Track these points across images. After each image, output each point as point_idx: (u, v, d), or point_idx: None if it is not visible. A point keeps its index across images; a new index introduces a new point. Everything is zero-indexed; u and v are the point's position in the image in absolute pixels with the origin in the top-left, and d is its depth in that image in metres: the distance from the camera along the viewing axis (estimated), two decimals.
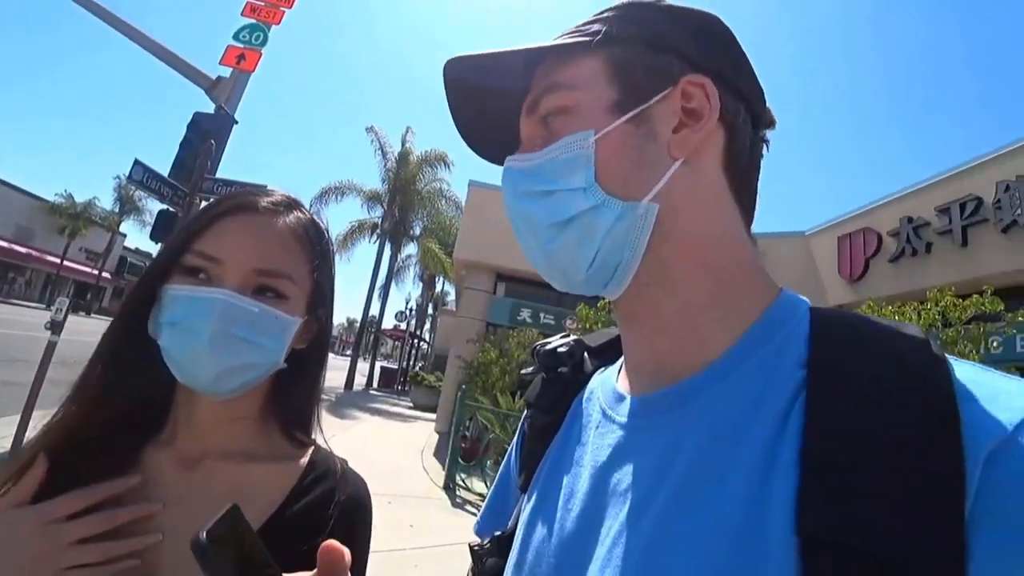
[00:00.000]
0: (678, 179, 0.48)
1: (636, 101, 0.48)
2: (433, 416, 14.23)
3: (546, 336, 0.73)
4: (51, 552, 0.60)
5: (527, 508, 0.57)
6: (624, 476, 0.46)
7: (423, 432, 12.25)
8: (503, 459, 0.72)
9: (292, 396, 0.80)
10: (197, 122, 6.67)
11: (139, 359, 0.70)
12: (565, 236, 0.49)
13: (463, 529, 4.90)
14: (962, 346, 4.83)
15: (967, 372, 0.37)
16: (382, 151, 22.31)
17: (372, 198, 22.40)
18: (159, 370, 0.68)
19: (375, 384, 25.86)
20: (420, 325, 35.64)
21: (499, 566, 0.58)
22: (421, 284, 31.24)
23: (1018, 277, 8.19)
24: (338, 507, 0.74)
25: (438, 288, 34.75)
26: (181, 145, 6.56)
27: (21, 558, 0.59)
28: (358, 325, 25.18)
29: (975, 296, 5.07)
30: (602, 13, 0.52)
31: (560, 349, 0.66)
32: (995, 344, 5.25)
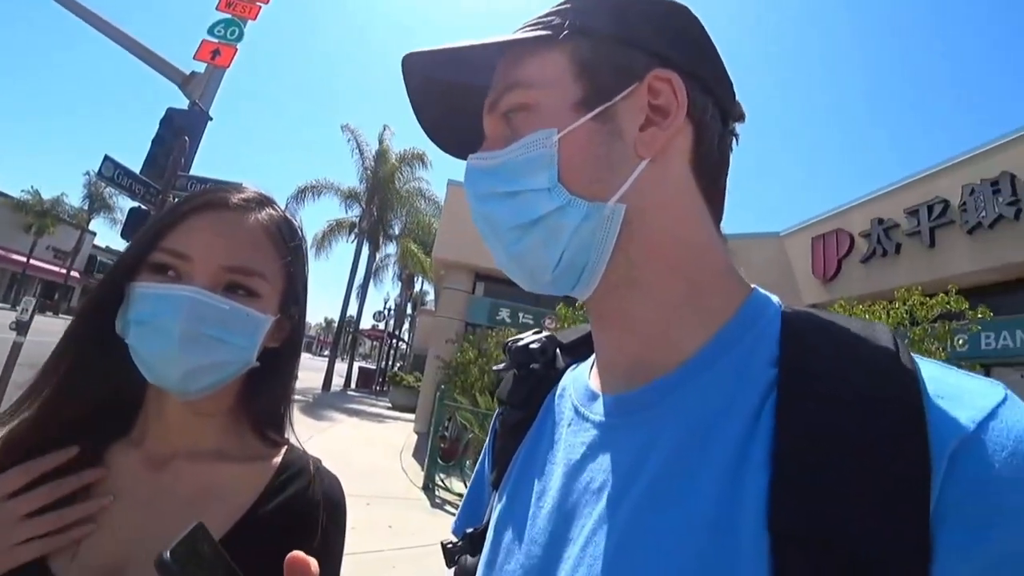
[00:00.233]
0: (645, 178, 0.46)
1: (600, 98, 0.47)
2: (412, 416, 14.15)
3: None
4: None
5: (499, 505, 0.56)
6: (597, 474, 0.46)
7: (402, 433, 12.17)
8: None
9: (264, 395, 0.79)
10: (170, 118, 6.52)
11: (104, 358, 0.68)
12: (530, 238, 0.48)
13: (442, 530, 4.89)
14: (929, 344, 4.98)
15: (933, 371, 0.38)
16: (359, 150, 22.08)
17: (350, 197, 22.15)
18: (127, 369, 0.67)
19: (353, 385, 25.62)
20: (399, 325, 35.36)
21: (473, 564, 0.57)
22: (400, 284, 31.02)
23: (982, 277, 8.48)
24: (312, 506, 0.73)
25: (417, 288, 34.54)
26: (154, 141, 6.41)
27: None
28: (336, 325, 24.91)
29: (941, 295, 5.23)
30: (563, 4, 0.49)
31: (532, 345, 0.65)
32: (960, 342, 5.42)
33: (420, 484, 7.21)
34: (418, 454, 9.39)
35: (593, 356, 0.58)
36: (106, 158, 5.79)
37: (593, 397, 0.52)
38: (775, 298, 0.49)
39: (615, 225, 0.46)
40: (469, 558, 0.59)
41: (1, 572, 0.58)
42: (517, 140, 0.48)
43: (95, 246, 46.60)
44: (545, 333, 0.68)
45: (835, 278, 11.02)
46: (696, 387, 0.44)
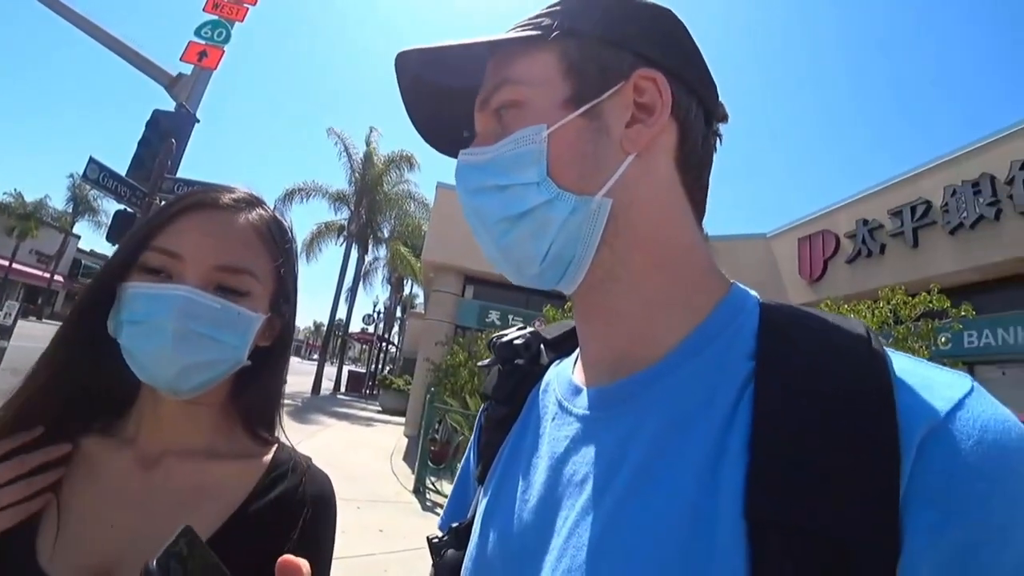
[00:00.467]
0: (631, 174, 0.48)
1: (589, 96, 0.48)
2: (402, 420, 14.10)
3: None
4: None
5: (484, 500, 0.57)
6: (580, 467, 0.47)
7: (392, 436, 12.11)
8: None
9: (256, 394, 0.79)
10: (157, 120, 6.47)
11: (94, 358, 0.69)
12: (518, 230, 0.49)
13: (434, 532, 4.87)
14: (913, 342, 5.04)
15: (903, 364, 0.39)
16: (347, 152, 21.96)
17: (338, 199, 22.03)
18: (118, 369, 0.67)
19: (343, 388, 25.47)
20: (388, 328, 35.23)
21: (457, 558, 0.58)
22: (389, 287, 30.93)
23: (964, 276, 8.62)
24: (302, 504, 0.73)
25: (407, 291, 34.46)
26: (140, 143, 6.36)
27: None
28: (325, 329, 24.75)
29: (923, 295, 5.31)
30: (553, 6, 0.51)
31: (516, 341, 0.66)
32: (944, 340, 5.50)
33: (411, 487, 7.18)
34: (408, 457, 9.35)
35: (577, 351, 0.59)
36: (91, 160, 5.73)
37: (577, 391, 0.54)
38: (754, 293, 0.50)
39: (601, 219, 0.48)
40: (454, 552, 0.59)
41: None
42: (507, 136, 0.49)
43: (79, 249, 45.98)
44: (529, 329, 0.69)
45: (821, 278, 11.16)
46: (677, 380, 0.45)
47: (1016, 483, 0.33)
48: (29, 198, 37.69)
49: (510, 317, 12.74)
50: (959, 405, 0.35)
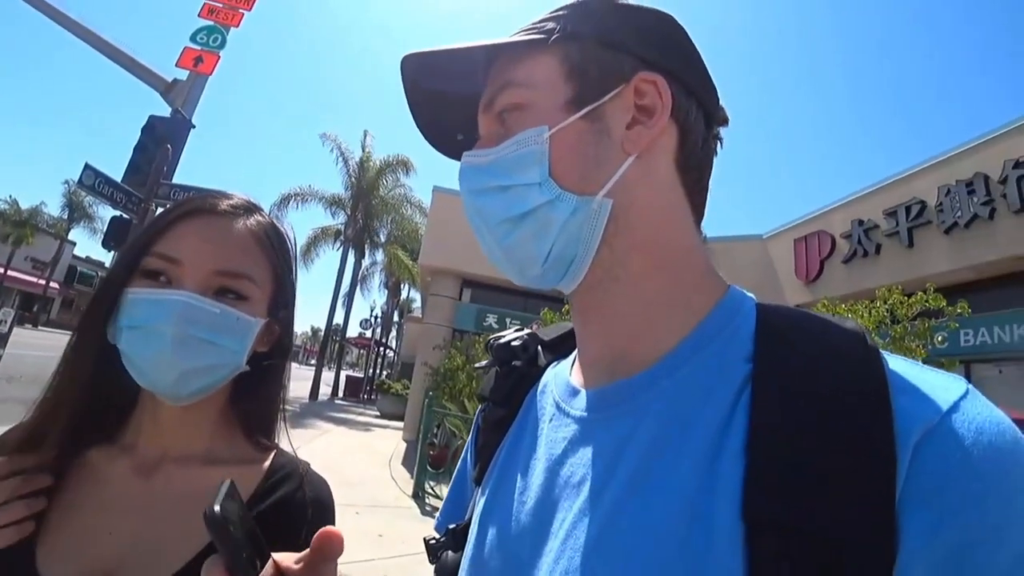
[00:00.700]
0: (631, 175, 0.49)
1: (590, 98, 0.49)
2: (400, 424, 14.07)
3: None
4: None
5: (481, 501, 0.57)
6: (578, 468, 0.47)
7: (391, 441, 12.08)
8: None
9: (254, 399, 0.80)
10: (152, 126, 6.46)
11: (97, 366, 0.69)
12: (520, 231, 0.50)
13: None
14: (910, 341, 5.06)
15: (898, 366, 0.40)
16: (342, 157, 21.89)
17: (334, 203, 21.97)
18: (118, 375, 0.67)
19: (341, 393, 25.41)
20: (386, 333, 35.18)
21: (455, 560, 0.58)
22: (387, 291, 30.86)
23: (959, 275, 8.65)
24: (302, 508, 0.73)
25: (404, 295, 34.38)
26: (135, 149, 6.34)
27: None
28: (322, 334, 24.69)
29: (919, 294, 5.33)
30: (557, 11, 0.52)
31: (514, 343, 0.66)
32: (940, 339, 5.52)
33: (410, 492, 7.17)
34: (407, 462, 9.33)
35: (574, 353, 0.59)
36: (87, 166, 5.70)
37: (574, 392, 0.54)
38: (751, 295, 0.51)
39: (602, 219, 0.48)
40: (452, 554, 0.59)
41: None
42: (510, 138, 0.50)
43: (75, 256, 45.81)
44: (527, 331, 0.69)
45: (817, 279, 11.18)
46: (674, 381, 0.45)
47: (1010, 484, 0.33)
48: (24, 205, 37.53)
49: (507, 320, 12.73)
50: (954, 407, 0.36)
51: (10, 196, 37.49)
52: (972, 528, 0.32)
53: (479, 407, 0.68)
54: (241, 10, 8.28)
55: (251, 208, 0.77)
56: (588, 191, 0.48)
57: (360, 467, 8.41)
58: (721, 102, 0.55)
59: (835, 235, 10.90)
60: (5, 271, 36.21)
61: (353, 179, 21.89)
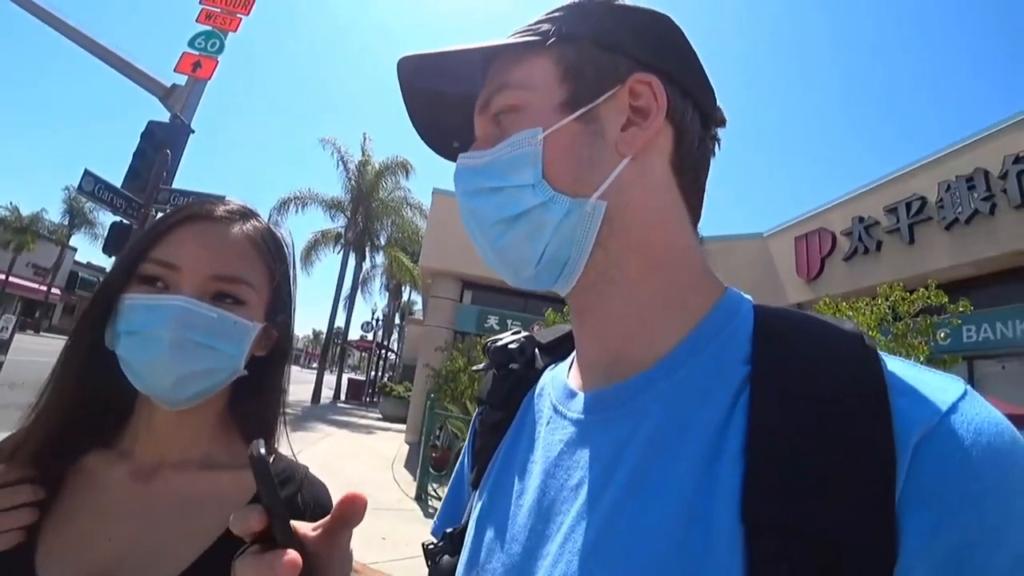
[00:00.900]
0: (626, 176, 0.48)
1: (585, 99, 0.49)
2: (403, 427, 14.06)
3: None
4: None
5: (478, 505, 0.57)
6: (575, 471, 0.47)
7: (393, 444, 12.08)
8: None
9: (253, 403, 0.79)
10: (151, 131, 6.46)
11: (94, 372, 0.69)
12: (514, 232, 0.50)
13: None
14: (912, 338, 5.05)
15: (897, 367, 0.40)
16: (342, 161, 21.91)
17: (334, 207, 21.99)
18: (116, 381, 0.68)
19: (343, 396, 25.42)
20: (387, 335, 35.18)
21: (453, 564, 0.57)
22: (388, 294, 30.87)
23: (960, 271, 8.64)
24: (300, 512, 0.73)
25: (405, 297, 34.39)
26: (135, 155, 6.35)
27: None
28: (324, 337, 24.69)
29: (921, 290, 5.32)
30: (552, 12, 0.52)
31: (511, 345, 0.66)
32: (942, 335, 5.50)
33: (412, 494, 7.16)
34: (410, 464, 9.32)
35: (571, 355, 0.59)
36: (86, 172, 5.71)
37: (571, 395, 0.53)
38: (748, 296, 0.51)
39: (596, 221, 0.48)
40: (449, 558, 0.59)
41: None
42: (505, 139, 0.50)
43: (76, 262, 45.86)
44: (524, 333, 0.69)
45: (819, 277, 11.18)
46: (672, 383, 0.45)
47: (1009, 484, 0.33)
48: (25, 211, 37.58)
49: (509, 322, 12.72)
50: (953, 408, 0.36)
51: (11, 203, 37.65)
52: (971, 529, 0.32)
53: (476, 410, 0.68)
54: (239, 15, 8.30)
55: (247, 213, 0.78)
56: (582, 193, 0.48)
57: (362, 470, 8.41)
58: (718, 103, 0.55)
59: (836, 232, 10.89)
60: (7, 278, 36.27)
61: (353, 182, 21.90)
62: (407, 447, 11.57)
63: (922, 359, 4.85)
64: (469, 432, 0.69)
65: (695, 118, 0.52)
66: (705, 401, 0.42)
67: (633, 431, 0.45)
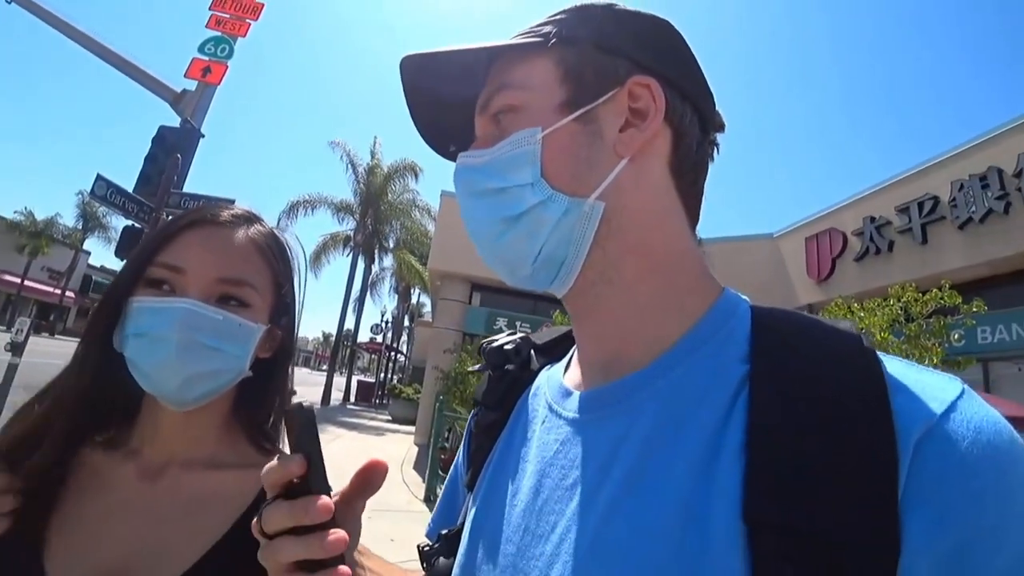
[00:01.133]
0: (624, 177, 0.49)
1: (584, 101, 0.49)
2: (412, 429, 14.10)
3: None
4: None
5: (473, 506, 0.57)
6: (571, 470, 0.47)
7: (402, 445, 12.11)
8: None
9: (258, 404, 0.81)
10: (162, 136, 6.55)
11: (104, 374, 0.70)
12: (513, 231, 0.50)
13: None
14: (925, 339, 4.97)
15: (896, 367, 0.40)
16: (351, 163, 22.06)
17: (343, 209, 22.13)
18: (124, 382, 0.69)
19: (352, 398, 25.51)
20: (397, 337, 35.31)
21: (448, 565, 0.57)
22: (396, 296, 30.97)
23: (975, 271, 8.52)
24: None
25: (414, 299, 34.53)
26: (146, 160, 6.43)
27: None
28: (334, 339, 24.81)
29: (934, 291, 5.25)
30: (555, 15, 0.52)
31: (507, 346, 0.66)
32: (956, 337, 5.43)
33: (422, 496, 7.18)
34: (419, 466, 9.35)
35: (567, 356, 0.60)
36: (98, 177, 5.78)
37: (567, 394, 0.53)
38: (745, 297, 0.51)
39: (594, 221, 0.48)
40: (444, 559, 0.59)
41: None
42: (505, 139, 0.50)
43: (90, 265, 46.45)
44: (520, 334, 0.69)
45: (829, 278, 11.07)
46: (669, 382, 0.45)
47: (1009, 482, 0.33)
48: (40, 216, 38.06)
49: (518, 324, 12.71)
50: (952, 407, 0.36)
51: (25, 208, 38.09)
52: (971, 526, 0.32)
53: (472, 411, 0.68)
54: (248, 20, 8.38)
55: (251, 218, 0.79)
56: (580, 193, 0.48)
57: None
58: (718, 108, 0.55)
59: (847, 233, 10.78)
60: (22, 282, 36.77)
61: (362, 185, 22.04)
62: (416, 449, 11.60)
63: (936, 361, 4.78)
64: (464, 433, 0.69)
65: (694, 122, 0.52)
66: (702, 400, 0.42)
67: (629, 429, 0.45)
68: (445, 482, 0.71)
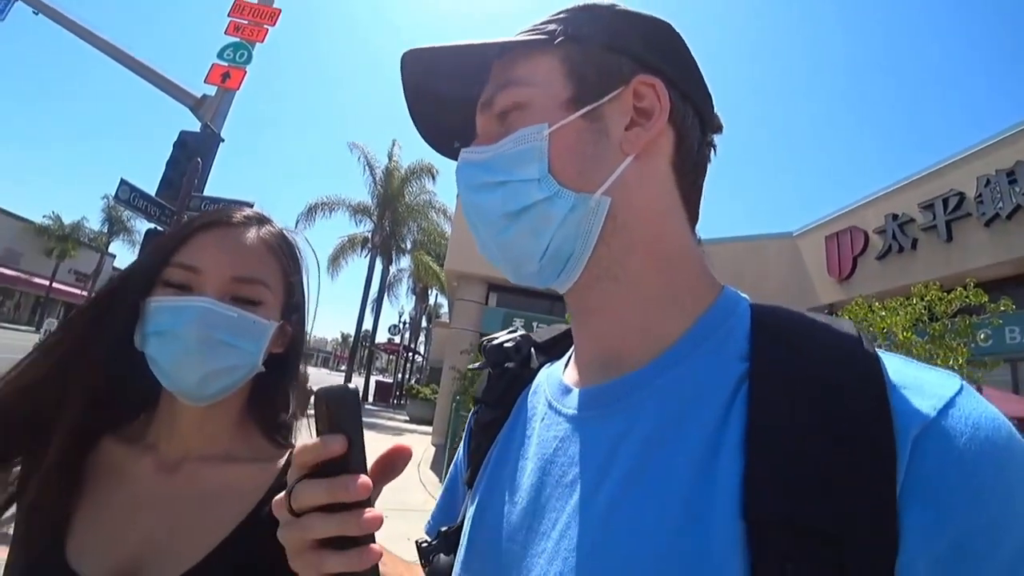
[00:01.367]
0: (629, 175, 0.49)
1: (589, 98, 0.50)
2: (429, 429, 14.16)
3: None
4: None
5: (473, 503, 0.57)
6: (570, 467, 0.47)
7: (420, 445, 12.16)
8: None
9: (271, 399, 0.84)
10: (183, 140, 6.66)
11: (108, 364, 0.72)
12: (518, 226, 0.50)
13: None
14: (950, 339, 4.86)
15: (895, 365, 0.40)
16: (369, 165, 22.24)
17: (360, 211, 22.31)
18: (143, 378, 0.72)
19: (371, 399, 25.69)
20: (414, 338, 35.47)
21: (448, 563, 0.58)
22: (414, 297, 31.16)
23: (1001, 269, 8.31)
24: None
25: (431, 300, 34.66)
26: (168, 164, 6.55)
27: None
28: (352, 340, 25.02)
29: (959, 290, 5.13)
30: (558, 13, 0.53)
31: (507, 344, 0.67)
32: (983, 336, 5.30)
33: (438, 496, 7.19)
34: (436, 466, 9.38)
35: (567, 354, 0.60)
36: (122, 182, 5.90)
37: (567, 391, 0.53)
38: (745, 295, 0.51)
39: (600, 216, 0.49)
40: (444, 557, 0.59)
41: None
42: (509, 135, 0.50)
43: (115, 268, 47.37)
44: (520, 332, 0.69)
45: (851, 276, 10.87)
46: (669, 379, 0.45)
47: (1007, 478, 0.34)
48: (67, 220, 38.99)
49: (535, 324, 12.57)
50: (950, 403, 0.36)
51: (53, 212, 39.02)
52: (970, 522, 0.32)
53: (472, 409, 0.68)
54: (266, 26, 8.49)
55: (262, 219, 0.82)
56: (586, 188, 0.49)
57: None
58: (715, 109, 0.56)
59: (868, 231, 10.59)
60: (50, 284, 37.68)
61: (379, 187, 22.19)
62: (433, 449, 11.64)
63: (961, 361, 4.68)
64: (465, 431, 0.69)
65: (695, 122, 0.53)
66: (702, 398, 0.42)
67: (629, 427, 0.45)
68: (445, 480, 0.72)
